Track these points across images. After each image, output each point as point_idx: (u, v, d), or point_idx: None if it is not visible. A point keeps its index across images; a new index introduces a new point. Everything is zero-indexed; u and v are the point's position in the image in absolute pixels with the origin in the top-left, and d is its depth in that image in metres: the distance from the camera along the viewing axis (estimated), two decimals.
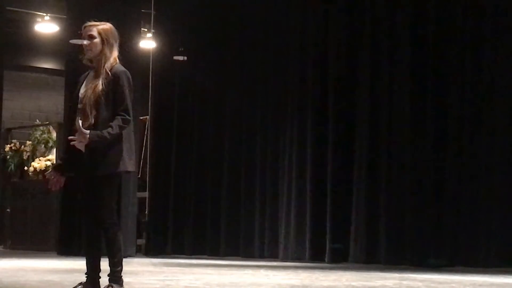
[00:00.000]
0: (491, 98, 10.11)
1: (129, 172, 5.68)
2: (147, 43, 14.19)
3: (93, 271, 5.63)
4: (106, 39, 5.61)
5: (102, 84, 5.50)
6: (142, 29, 13.82)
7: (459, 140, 10.24)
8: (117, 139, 5.52)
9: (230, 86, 12.70)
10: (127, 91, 5.54)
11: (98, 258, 5.65)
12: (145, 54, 13.57)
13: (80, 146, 5.50)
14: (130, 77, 5.63)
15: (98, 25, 5.66)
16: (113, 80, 5.52)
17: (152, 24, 13.72)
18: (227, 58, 12.80)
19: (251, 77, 12.47)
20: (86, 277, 5.66)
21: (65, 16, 13.38)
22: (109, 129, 5.45)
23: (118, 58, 5.65)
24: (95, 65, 5.62)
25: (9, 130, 15.37)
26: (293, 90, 11.89)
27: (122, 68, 5.61)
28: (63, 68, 13.93)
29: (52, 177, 5.66)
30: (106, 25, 5.68)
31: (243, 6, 12.64)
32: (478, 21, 10.23)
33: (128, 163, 5.58)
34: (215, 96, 12.83)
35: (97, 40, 5.60)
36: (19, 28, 15.00)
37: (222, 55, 12.86)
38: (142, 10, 13.28)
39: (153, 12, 13.48)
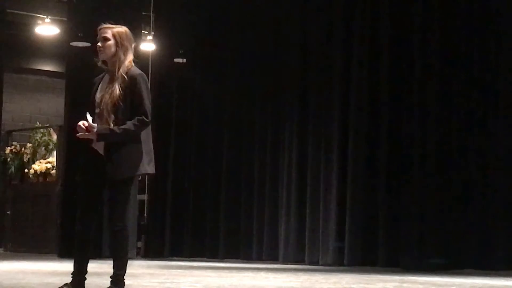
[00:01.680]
0: (498, 99, 10.09)
1: (149, 174, 5.71)
2: (147, 45, 14.19)
3: (79, 273, 5.64)
4: (120, 41, 5.58)
5: (119, 89, 5.48)
6: (142, 31, 13.83)
7: (465, 142, 10.20)
8: (135, 141, 5.50)
9: (229, 88, 12.70)
10: (144, 94, 5.52)
11: (86, 260, 5.66)
12: (145, 57, 13.57)
13: (99, 147, 5.49)
14: (147, 79, 5.62)
15: (113, 27, 5.63)
16: (130, 84, 5.50)
17: (152, 27, 13.73)
18: (226, 60, 12.81)
19: (250, 80, 12.47)
20: (71, 277, 5.66)
21: (65, 19, 13.39)
22: (122, 126, 5.44)
23: (134, 62, 5.63)
24: (110, 68, 5.60)
25: (9, 132, 15.37)
26: (293, 92, 11.89)
27: (138, 71, 5.60)
28: (63, 71, 13.94)
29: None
30: (121, 28, 5.65)
31: (243, 8, 12.65)
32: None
33: (148, 166, 5.57)
34: (214, 99, 12.84)
35: (111, 42, 5.57)
36: (20, 30, 15.00)
37: (221, 57, 12.86)
38: (142, 13, 13.29)
39: (152, 15, 13.50)
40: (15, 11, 14.62)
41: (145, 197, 13.33)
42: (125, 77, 5.51)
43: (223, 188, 12.50)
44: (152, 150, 5.66)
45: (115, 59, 5.57)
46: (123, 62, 5.57)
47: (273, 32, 12.30)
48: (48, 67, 16.16)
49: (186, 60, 13.15)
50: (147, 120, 5.50)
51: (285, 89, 12.02)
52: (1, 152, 14.81)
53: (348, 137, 11.08)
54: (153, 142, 5.71)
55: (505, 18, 10.13)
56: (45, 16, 14.75)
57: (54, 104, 15.78)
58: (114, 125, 5.45)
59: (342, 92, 11.25)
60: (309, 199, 11.38)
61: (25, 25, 15.06)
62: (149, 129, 5.61)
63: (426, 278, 8.55)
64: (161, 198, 13.20)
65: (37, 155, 14.37)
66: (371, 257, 10.60)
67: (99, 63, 5.66)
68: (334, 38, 11.46)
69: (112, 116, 5.46)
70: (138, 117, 5.47)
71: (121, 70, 5.54)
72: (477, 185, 10.06)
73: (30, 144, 14.56)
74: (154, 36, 13.77)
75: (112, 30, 5.61)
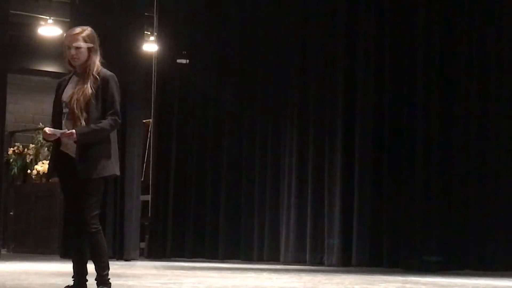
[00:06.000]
0: (499, 98, 10.07)
1: (116, 176, 5.70)
2: (150, 46, 14.21)
3: (79, 275, 5.67)
4: (92, 45, 5.63)
5: (91, 88, 5.53)
6: (145, 32, 13.84)
7: (466, 142, 10.16)
8: (106, 142, 5.55)
9: (231, 89, 12.71)
10: (116, 96, 5.59)
11: (84, 261, 5.68)
12: (148, 57, 13.60)
13: (70, 150, 5.51)
14: (117, 81, 5.67)
15: (81, 32, 5.65)
16: (102, 85, 5.56)
17: (155, 28, 13.75)
18: (229, 61, 12.81)
19: (252, 81, 12.48)
20: (73, 280, 5.68)
21: (68, 20, 13.41)
22: (99, 124, 5.49)
23: (100, 62, 5.66)
24: (79, 70, 5.65)
25: (12, 133, 15.39)
26: (294, 93, 11.88)
27: (109, 72, 5.65)
28: (66, 72, 13.93)
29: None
30: (88, 30, 5.69)
31: (246, 9, 12.65)
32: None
33: (116, 167, 5.63)
34: (216, 99, 12.84)
35: (84, 49, 5.62)
36: (23, 31, 15.03)
37: (224, 58, 12.87)
38: (145, 14, 13.30)
39: (156, 16, 13.51)
40: (18, 12, 14.64)
41: (148, 197, 13.33)
42: (97, 77, 5.57)
43: (223, 188, 12.50)
44: (117, 152, 5.69)
45: (89, 62, 5.62)
46: (95, 63, 5.62)
47: (275, 33, 12.29)
48: (51, 68, 16.18)
49: (189, 61, 13.16)
50: (119, 120, 5.58)
51: (287, 89, 12.01)
52: (4, 153, 14.82)
53: (352, 137, 11.05)
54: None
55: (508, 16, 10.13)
56: (47, 17, 14.79)
57: None
58: (86, 123, 5.48)
59: (345, 90, 11.22)
60: (311, 199, 11.35)
61: (28, 26, 15.09)
62: (115, 131, 5.66)
63: (428, 278, 8.55)
64: (163, 199, 13.20)
65: (40, 156, 14.38)
66: (376, 257, 10.57)
67: (67, 66, 5.74)
68: (336, 38, 11.45)
69: (85, 114, 5.50)
70: (112, 117, 5.53)
71: (92, 70, 5.58)
72: (479, 186, 10.03)
73: (33, 145, 14.57)
74: (157, 37, 13.78)
75: (82, 36, 5.64)
